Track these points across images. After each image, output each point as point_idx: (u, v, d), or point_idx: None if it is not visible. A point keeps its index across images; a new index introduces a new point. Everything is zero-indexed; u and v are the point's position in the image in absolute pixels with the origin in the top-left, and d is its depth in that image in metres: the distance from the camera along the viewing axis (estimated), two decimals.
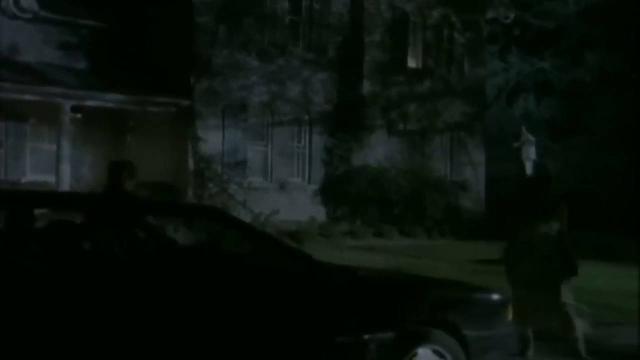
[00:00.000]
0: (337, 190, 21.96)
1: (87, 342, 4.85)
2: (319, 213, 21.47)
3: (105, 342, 4.89)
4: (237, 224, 5.92)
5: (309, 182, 22.09)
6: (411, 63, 23.95)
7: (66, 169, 18.80)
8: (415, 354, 5.63)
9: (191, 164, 20.05)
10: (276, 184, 21.36)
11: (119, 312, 4.92)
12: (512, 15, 19.40)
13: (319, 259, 5.66)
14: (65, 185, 18.58)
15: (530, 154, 17.23)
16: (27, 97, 18.25)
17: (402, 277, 7.22)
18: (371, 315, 5.52)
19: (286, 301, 5.38)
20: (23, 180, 19.55)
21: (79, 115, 19.83)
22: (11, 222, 5.37)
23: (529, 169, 17.21)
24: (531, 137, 17.43)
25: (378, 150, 22.57)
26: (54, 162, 18.97)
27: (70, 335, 4.83)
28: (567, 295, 7.95)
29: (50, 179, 18.83)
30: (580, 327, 7.89)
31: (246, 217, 18.35)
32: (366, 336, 5.42)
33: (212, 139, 20.18)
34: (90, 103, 19.30)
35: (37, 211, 5.69)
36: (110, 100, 19.49)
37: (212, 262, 5.73)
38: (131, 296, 5.01)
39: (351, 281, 5.70)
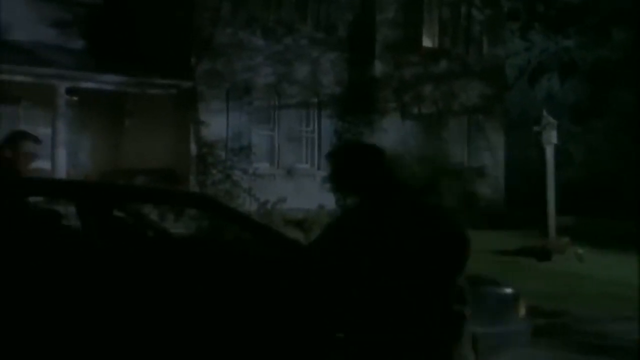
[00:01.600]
0: None
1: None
2: (329, 201, 20.89)
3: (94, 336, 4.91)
4: (230, 213, 5.86)
5: (318, 168, 21.82)
6: (426, 42, 23.85)
7: (62, 155, 18.78)
8: None
9: (193, 149, 19.99)
10: (283, 171, 21.35)
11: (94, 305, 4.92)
12: None
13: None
14: (62, 172, 18.60)
15: (551, 138, 17.08)
16: (19, 78, 18.17)
17: None
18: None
19: (278, 295, 5.32)
20: None
21: (75, 98, 19.82)
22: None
23: (549, 153, 17.07)
24: (553, 120, 17.27)
25: (391, 135, 22.40)
26: (49, 148, 18.90)
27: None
28: None
29: (46, 165, 18.75)
30: None
31: (252, 205, 18.51)
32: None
33: (215, 123, 20.12)
34: (86, 85, 19.24)
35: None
36: (108, 82, 19.44)
37: (203, 253, 5.70)
38: (112, 290, 4.99)
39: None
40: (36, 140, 6.43)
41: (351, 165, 4.11)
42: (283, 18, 21.57)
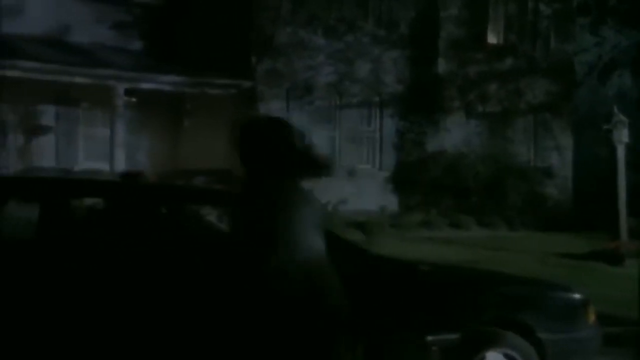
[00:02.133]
0: (410, 177, 21.76)
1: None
2: (391, 202, 21.33)
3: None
4: None
5: (380, 169, 22.02)
6: (491, 39, 23.60)
7: (121, 156, 18.97)
8: (483, 358, 5.55)
9: None
10: (344, 171, 21.00)
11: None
12: None
13: (376, 252, 5.61)
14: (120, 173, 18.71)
15: (622, 136, 16.72)
16: (79, 79, 18.42)
17: (469, 273, 7.09)
18: (433, 314, 5.46)
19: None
20: (76, 168, 19.83)
21: (133, 99, 19.98)
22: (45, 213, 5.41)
23: (620, 153, 16.72)
24: (624, 118, 16.90)
25: (455, 134, 22.35)
26: (107, 149, 19.18)
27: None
28: None
29: (104, 166, 19.04)
30: None
31: None
32: (429, 338, 5.35)
33: None
34: (145, 86, 19.43)
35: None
36: (166, 82, 19.61)
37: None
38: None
39: (411, 277, 5.63)
40: None
41: (252, 138, 4.16)
42: (344, 16, 21.54)
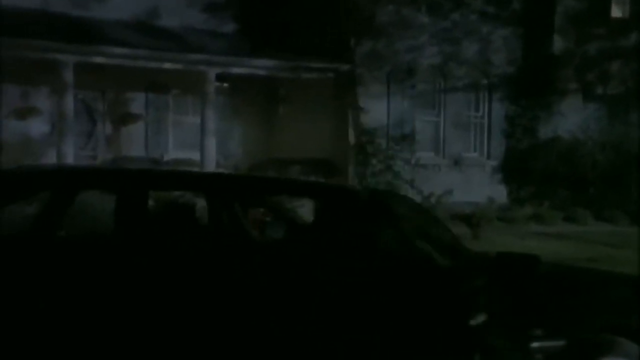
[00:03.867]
0: (521, 166, 21.68)
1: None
2: (499, 194, 21.23)
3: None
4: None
5: (488, 157, 21.91)
6: (615, 12, 23.05)
7: (212, 145, 19.16)
8: None
9: (351, 137, 20.08)
10: (449, 160, 21.28)
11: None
12: None
13: (477, 248, 5.60)
14: (211, 163, 19.04)
15: None
16: (168, 65, 18.71)
17: (579, 272, 6.91)
18: (538, 318, 5.32)
19: (423, 301, 5.24)
20: (165, 157, 20.27)
21: (225, 85, 20.31)
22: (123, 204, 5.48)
23: None
24: None
25: (571, 119, 22.03)
26: (198, 138, 19.42)
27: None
28: None
29: (195, 156, 19.31)
30: None
31: (415, 199, 18.39)
32: (534, 344, 5.22)
33: (376, 109, 20.17)
34: (237, 70, 19.60)
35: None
36: (260, 66, 19.74)
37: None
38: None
39: (515, 276, 5.45)
40: None
41: None
42: None
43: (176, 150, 20.59)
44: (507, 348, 5.23)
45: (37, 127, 18.86)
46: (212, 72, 19.06)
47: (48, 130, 18.83)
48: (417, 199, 18.51)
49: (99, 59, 17.75)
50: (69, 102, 17.71)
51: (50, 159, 17.81)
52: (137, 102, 20.37)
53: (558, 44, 22.26)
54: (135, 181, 5.66)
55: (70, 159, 17.58)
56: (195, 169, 18.15)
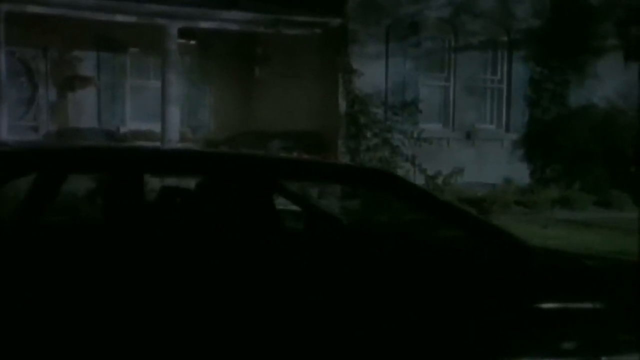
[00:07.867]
0: (547, 141, 21.65)
1: None
2: (519, 173, 21.25)
3: None
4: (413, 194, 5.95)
5: (507, 129, 21.88)
6: None
7: (175, 114, 19.15)
8: None
9: (342, 106, 19.94)
10: (460, 133, 21.20)
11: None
12: None
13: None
14: (174, 135, 18.91)
15: None
16: (121, 17, 18.47)
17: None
18: (607, 328, 5.46)
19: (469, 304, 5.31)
20: (122, 129, 20.22)
21: (192, 42, 20.15)
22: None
23: None
24: None
25: (608, 84, 21.82)
26: (159, 106, 19.28)
27: None
28: None
29: (156, 127, 19.16)
30: None
31: (416, 179, 18.47)
32: (603, 358, 5.41)
33: (371, 72, 19.94)
34: (205, 25, 19.50)
35: None
36: (233, 20, 19.55)
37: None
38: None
39: (576, 275, 5.61)
40: None
41: None
42: None
43: (135, 120, 20.55)
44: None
45: None
46: (175, 27, 18.99)
47: None
48: (420, 179, 18.28)
49: (35, 8, 17.42)
50: (1, 61, 17.49)
51: None
52: (87, 62, 20.28)
53: None
54: (141, 163, 5.55)
55: (4, 131, 17.36)
56: (157, 144, 18.02)
